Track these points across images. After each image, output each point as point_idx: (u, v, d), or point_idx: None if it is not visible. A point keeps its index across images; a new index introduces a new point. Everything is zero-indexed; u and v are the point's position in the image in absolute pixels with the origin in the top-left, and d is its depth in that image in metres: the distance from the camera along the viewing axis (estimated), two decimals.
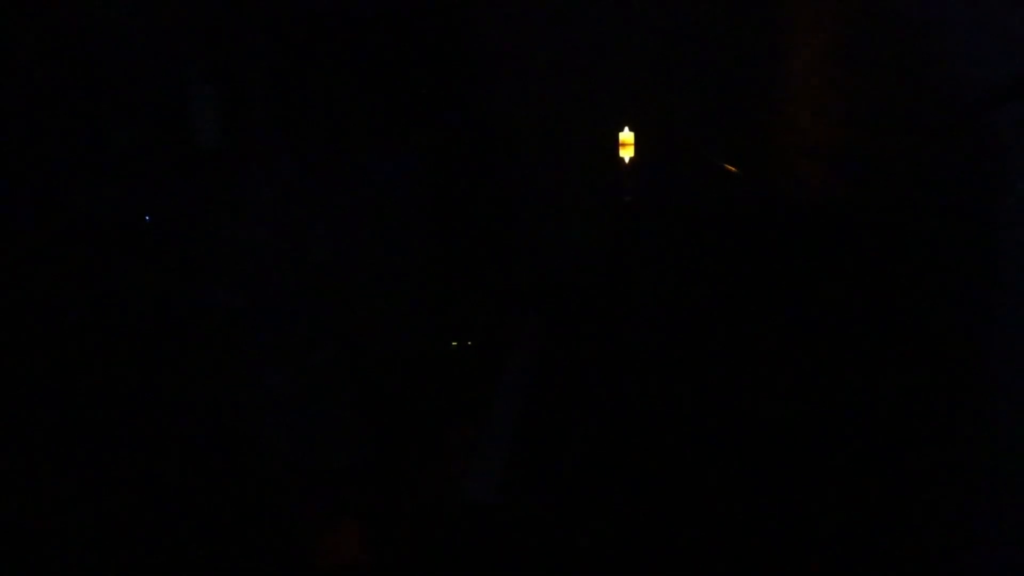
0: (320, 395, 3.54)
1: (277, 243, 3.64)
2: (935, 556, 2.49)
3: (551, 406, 3.64)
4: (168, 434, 3.32)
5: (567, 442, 3.37)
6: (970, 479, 2.32)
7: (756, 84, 4.21)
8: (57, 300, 3.50)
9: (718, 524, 2.85)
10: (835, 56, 3.40)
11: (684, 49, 4.26)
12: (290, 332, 3.59)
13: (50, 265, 3.53)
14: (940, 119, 2.34)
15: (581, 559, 2.73)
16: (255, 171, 3.68)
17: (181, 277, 3.64)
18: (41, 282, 3.50)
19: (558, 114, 4.39)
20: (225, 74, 3.78)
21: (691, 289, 4.07)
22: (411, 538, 2.85)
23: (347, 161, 3.90)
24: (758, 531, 2.80)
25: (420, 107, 4.04)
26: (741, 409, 3.34)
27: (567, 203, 4.49)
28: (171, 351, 3.55)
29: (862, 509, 2.81)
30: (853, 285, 3.01)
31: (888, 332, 2.81)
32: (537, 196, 4.50)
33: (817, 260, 3.26)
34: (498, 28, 4.30)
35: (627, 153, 4.14)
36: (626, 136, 4.13)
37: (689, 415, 3.44)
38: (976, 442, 2.29)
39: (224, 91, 3.78)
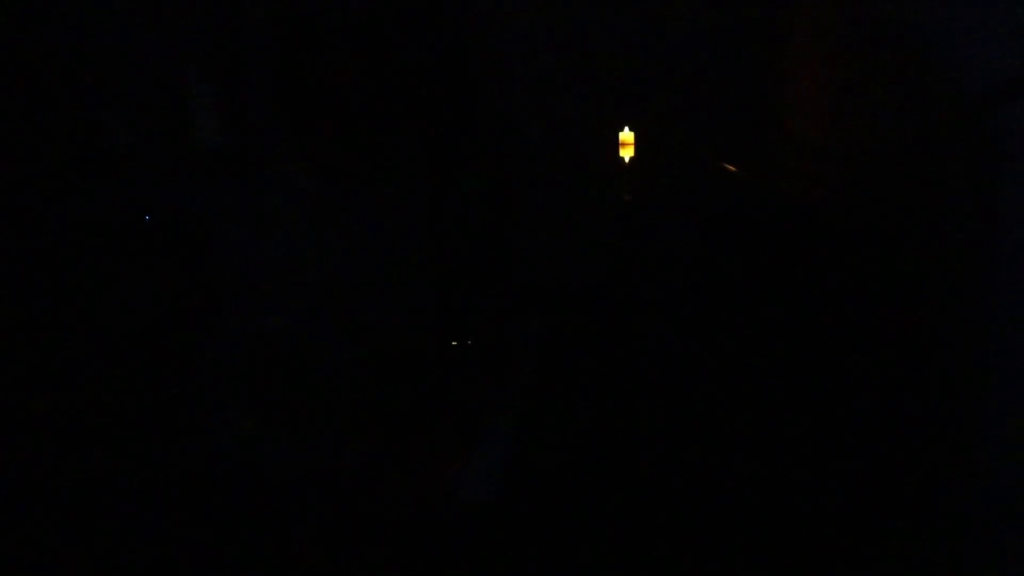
0: (323, 397, 3.55)
1: (287, 250, 3.63)
2: (934, 554, 2.49)
3: (551, 406, 3.64)
4: (166, 438, 3.33)
5: (567, 441, 3.37)
6: (968, 478, 2.32)
7: (756, 85, 4.22)
8: (55, 301, 3.51)
9: (718, 524, 2.85)
10: (835, 58, 3.40)
11: (685, 50, 4.27)
12: (298, 333, 3.59)
13: (48, 266, 3.54)
14: (940, 120, 2.34)
15: (580, 559, 2.73)
16: (263, 175, 3.67)
17: (185, 282, 3.64)
18: (39, 283, 3.50)
19: (560, 115, 4.39)
20: (225, 74, 3.78)
21: (692, 289, 4.07)
22: (410, 538, 2.85)
23: (353, 165, 3.89)
24: (758, 531, 2.80)
25: (424, 110, 4.03)
26: (742, 409, 3.34)
27: (568, 203, 4.49)
28: (171, 353, 3.56)
29: (861, 507, 2.81)
30: (852, 285, 3.01)
31: (887, 332, 2.81)
32: (538, 197, 4.50)
33: (817, 260, 3.26)
34: (502, 31, 4.30)
35: (627, 153, 4.13)
36: (626, 136, 4.13)
37: (690, 415, 3.44)
38: (975, 441, 2.29)
39: (224, 91, 3.78)
